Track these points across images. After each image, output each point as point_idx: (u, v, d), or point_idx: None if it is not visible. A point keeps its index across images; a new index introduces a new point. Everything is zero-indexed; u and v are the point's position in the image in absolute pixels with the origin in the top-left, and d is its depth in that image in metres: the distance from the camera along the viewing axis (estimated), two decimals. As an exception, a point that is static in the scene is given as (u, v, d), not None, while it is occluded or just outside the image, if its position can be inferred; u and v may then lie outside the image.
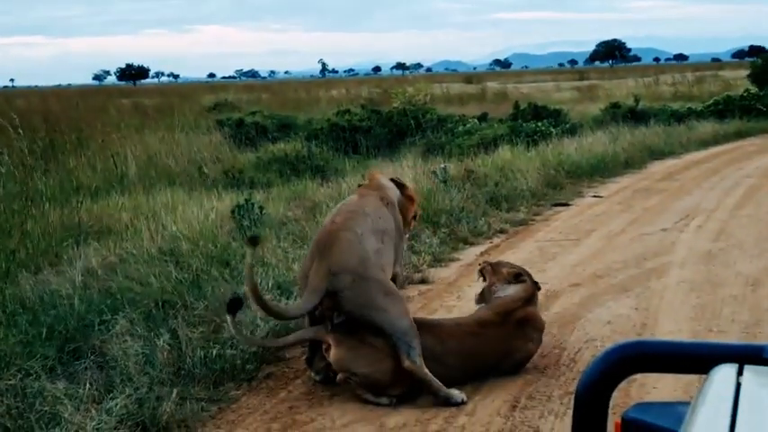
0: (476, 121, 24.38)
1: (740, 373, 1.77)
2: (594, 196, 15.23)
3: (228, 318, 6.14)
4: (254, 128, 24.15)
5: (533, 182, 15.16)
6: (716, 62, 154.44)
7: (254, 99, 42.88)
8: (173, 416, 5.73)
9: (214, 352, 6.64)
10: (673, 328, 7.49)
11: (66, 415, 5.38)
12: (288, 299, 7.88)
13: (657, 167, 19.29)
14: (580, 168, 17.34)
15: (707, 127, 25.96)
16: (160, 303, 7.53)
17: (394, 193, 7.00)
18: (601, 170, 17.84)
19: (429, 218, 11.63)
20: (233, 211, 11.09)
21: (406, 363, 5.94)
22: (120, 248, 9.59)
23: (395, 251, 6.64)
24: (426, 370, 5.98)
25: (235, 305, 6.15)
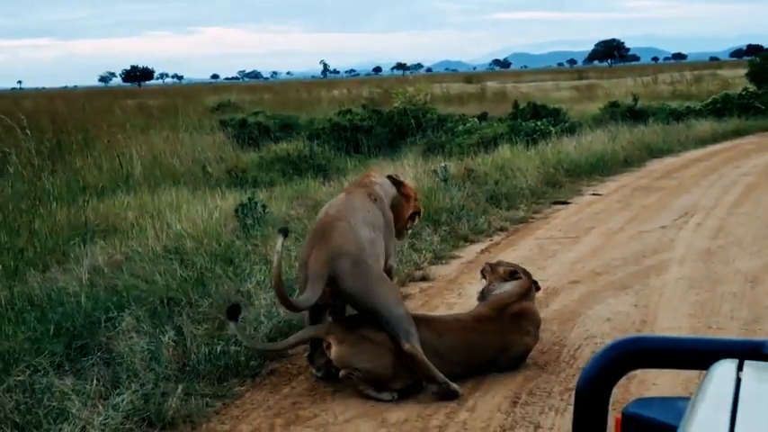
0: (476, 120, 24.37)
1: (740, 368, 1.77)
2: (594, 194, 15.23)
3: (231, 324, 6.19)
4: (257, 128, 24.14)
5: (533, 180, 15.17)
6: (714, 61, 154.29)
7: (256, 99, 42.88)
8: (178, 411, 5.74)
9: (218, 348, 6.65)
10: (672, 325, 7.49)
11: (73, 410, 5.39)
12: (291, 295, 7.86)
13: (656, 166, 19.28)
14: (579, 167, 17.34)
15: (705, 125, 25.95)
16: (165, 301, 7.54)
17: (384, 189, 7.09)
18: (600, 168, 17.84)
19: (430, 216, 11.63)
20: (236, 210, 11.10)
21: (406, 346, 5.98)
22: (125, 247, 9.60)
23: (386, 245, 6.74)
24: (425, 357, 6.00)
25: (234, 312, 6.19)
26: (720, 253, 10.25)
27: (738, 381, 1.69)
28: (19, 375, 5.78)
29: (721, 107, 29.33)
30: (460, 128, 22.57)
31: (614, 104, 29.17)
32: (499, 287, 6.85)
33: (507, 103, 31.09)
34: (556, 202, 14.34)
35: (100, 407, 5.55)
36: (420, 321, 6.36)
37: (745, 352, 1.89)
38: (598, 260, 10.10)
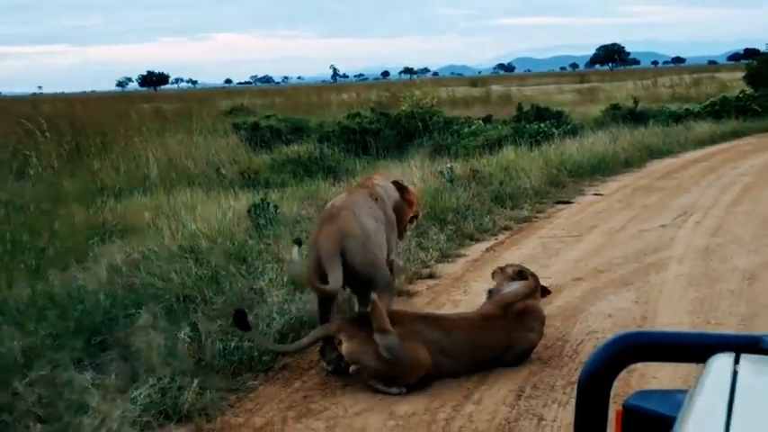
0: (481, 122, 24.35)
1: (737, 361, 1.77)
2: (595, 194, 15.21)
3: (248, 333, 6.27)
4: (269, 131, 24.14)
5: (536, 181, 15.16)
6: (712, 65, 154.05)
7: (268, 103, 42.87)
8: (194, 404, 5.76)
9: (232, 344, 6.67)
10: (672, 321, 7.49)
11: (93, 404, 5.41)
12: (301, 294, 7.89)
13: (656, 166, 19.24)
14: (581, 167, 17.31)
15: (704, 127, 25.89)
16: (181, 298, 7.57)
17: (386, 192, 7.30)
18: (601, 169, 17.81)
19: (436, 215, 11.66)
20: (249, 210, 11.12)
21: (374, 296, 6.23)
22: (142, 246, 9.61)
23: (388, 239, 6.95)
24: (384, 311, 6.23)
25: (241, 319, 6.21)
26: (719, 251, 10.23)
27: (735, 374, 1.70)
28: (41, 370, 5.80)
29: (719, 109, 29.26)
30: (466, 130, 22.55)
31: (615, 107, 29.12)
32: (507, 287, 6.87)
33: (511, 105, 31.02)
34: (559, 202, 14.33)
35: (118, 400, 5.57)
36: (430, 321, 6.42)
37: (742, 346, 1.89)
38: (600, 258, 10.09)
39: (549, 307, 7.44)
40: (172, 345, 6.50)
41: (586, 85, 58.87)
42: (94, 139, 20.34)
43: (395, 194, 7.39)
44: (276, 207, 11.26)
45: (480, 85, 63.92)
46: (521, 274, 6.99)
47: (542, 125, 22.03)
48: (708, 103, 30.92)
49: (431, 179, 13.90)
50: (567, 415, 5.49)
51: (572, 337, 7.16)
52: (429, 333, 6.22)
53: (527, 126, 22.02)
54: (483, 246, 11.02)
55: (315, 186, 15.08)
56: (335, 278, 6.29)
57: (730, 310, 7.75)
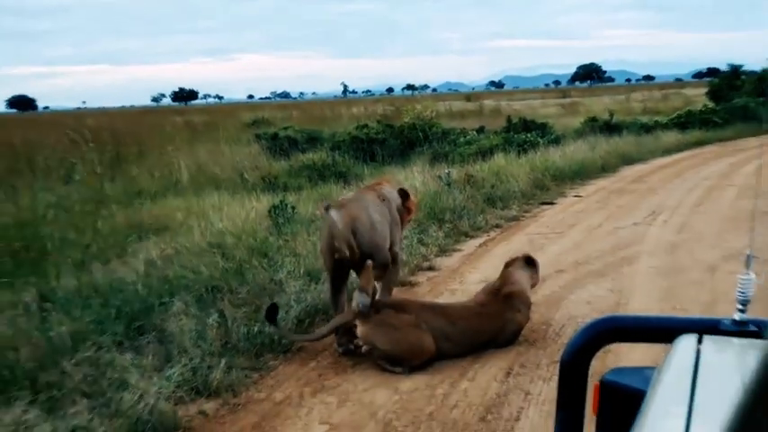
0: (474, 133, 24.30)
1: (700, 342, 1.78)
2: (576, 196, 15.19)
3: (271, 327, 6.29)
4: (287, 140, 24.13)
5: (524, 184, 15.15)
6: (678, 82, 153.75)
7: (286, 116, 42.82)
8: (221, 382, 5.78)
9: (255, 328, 6.69)
10: (643, 307, 7.48)
11: (132, 381, 5.42)
12: (316, 285, 7.90)
13: (629, 171, 19.22)
14: (563, 172, 17.31)
15: (671, 137, 25.88)
16: (209, 288, 7.57)
17: (392, 196, 7.35)
18: (581, 174, 17.81)
19: (435, 215, 11.67)
20: (270, 211, 11.13)
21: (370, 262, 6.46)
22: (175, 242, 9.63)
23: (391, 233, 7.00)
24: (371, 276, 6.46)
25: (272, 312, 6.25)
26: (684, 246, 10.22)
27: (698, 352, 1.70)
28: (86, 352, 5.82)
29: (685, 121, 29.28)
30: (461, 140, 22.52)
31: (593, 119, 29.09)
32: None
33: (501, 118, 30.97)
34: (543, 203, 14.31)
35: (155, 378, 5.59)
36: (437, 310, 6.44)
37: (705, 328, 1.90)
38: (580, 252, 10.08)
39: (534, 296, 7.43)
40: (202, 329, 6.52)
41: (568, 100, 58.79)
42: (132, 148, 20.39)
43: (398, 200, 7.45)
44: (293, 208, 11.27)
45: (474, 99, 63.76)
46: (527, 260, 7.03)
47: (529, 135, 22.00)
48: (674, 115, 30.94)
49: (430, 183, 13.91)
50: (551, 390, 5.50)
51: (555, 322, 7.17)
52: (435, 321, 6.26)
53: (515, 136, 21.99)
54: (477, 242, 11.02)
55: (327, 189, 15.10)
56: (346, 251, 6.41)
57: (694, 298, 7.75)
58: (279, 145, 23.48)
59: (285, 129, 27.29)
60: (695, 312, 7.11)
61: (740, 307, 1.98)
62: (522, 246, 10.55)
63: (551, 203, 14.32)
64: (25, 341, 5.92)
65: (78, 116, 49.28)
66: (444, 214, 11.84)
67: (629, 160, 20.99)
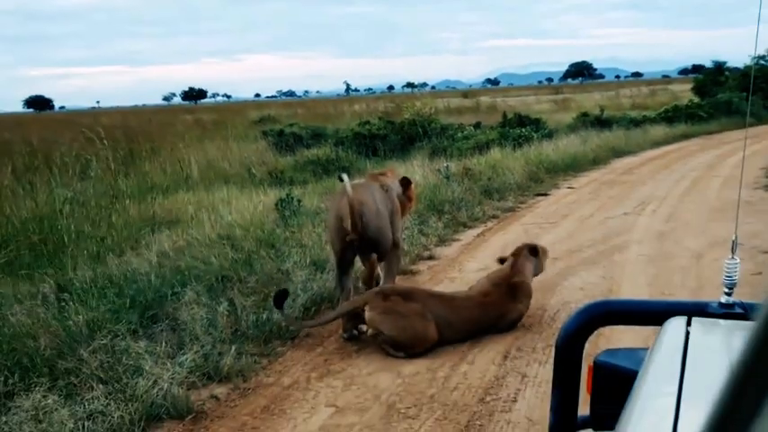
0: (472, 128, 24.29)
1: (689, 324, 1.78)
2: (569, 188, 15.18)
3: (277, 312, 6.27)
4: (292, 137, 24.15)
5: (519, 177, 15.13)
6: (666, 78, 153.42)
7: (291, 114, 42.84)
8: (232, 367, 5.79)
9: (264, 316, 6.70)
10: (633, 292, 7.48)
11: (147, 367, 5.43)
12: (321, 274, 7.91)
13: (619, 164, 19.20)
14: (557, 165, 17.29)
15: (659, 130, 25.85)
16: (220, 278, 7.58)
17: (393, 185, 7.40)
18: (573, 167, 17.78)
19: (435, 207, 11.66)
20: (276, 204, 11.13)
21: (373, 257, 6.78)
22: (186, 235, 9.63)
23: (392, 221, 7.03)
24: (374, 269, 6.88)
25: (280, 298, 6.24)
26: (672, 234, 10.21)
27: (687, 334, 1.70)
28: (102, 340, 5.82)
29: (672, 115, 29.25)
30: (459, 135, 22.51)
31: (585, 114, 29.07)
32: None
33: (497, 114, 30.93)
34: (538, 195, 14.30)
35: (168, 364, 5.60)
36: (443, 300, 6.45)
37: (693, 311, 1.89)
38: (573, 241, 10.08)
39: (531, 283, 7.43)
40: (212, 317, 6.53)
41: (560, 97, 58.67)
42: (145, 145, 20.37)
43: (399, 190, 7.51)
44: (299, 201, 11.27)
45: (471, 96, 63.64)
46: (533, 249, 7.01)
47: (524, 130, 21.98)
48: (662, 110, 30.91)
49: (430, 176, 13.90)
50: (546, 372, 5.50)
51: (550, 307, 7.16)
52: (440, 310, 6.27)
53: (511, 131, 21.97)
54: (474, 232, 11.02)
55: (331, 183, 15.08)
56: (358, 222, 6.50)
57: (682, 283, 7.75)
58: (285, 141, 23.49)
59: (291, 126, 27.29)
60: (683, 297, 7.10)
61: (727, 290, 1.98)
62: (518, 236, 10.54)
63: (545, 195, 14.30)
64: (44, 330, 5.93)
65: (93, 115, 49.36)
66: (443, 206, 11.83)
67: (619, 153, 20.96)
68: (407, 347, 6.10)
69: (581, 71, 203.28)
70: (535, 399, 5.17)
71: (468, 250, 9.88)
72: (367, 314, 6.19)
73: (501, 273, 6.77)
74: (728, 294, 1.97)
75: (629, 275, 8.27)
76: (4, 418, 4.78)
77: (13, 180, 13.15)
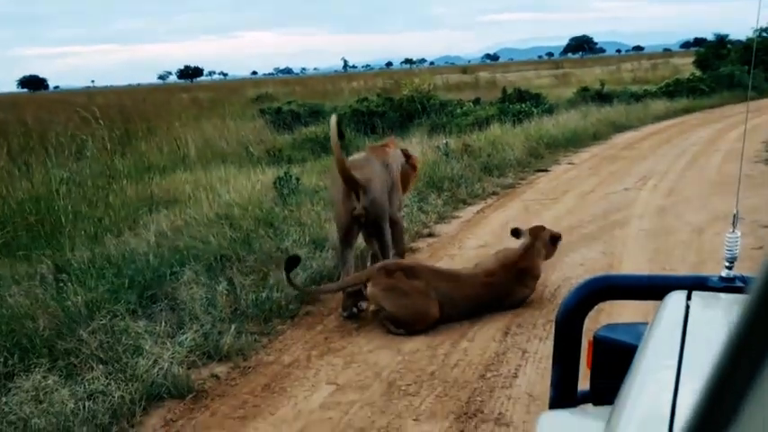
0: (471, 104, 24.19)
1: (689, 298, 1.79)
2: (569, 163, 15.17)
3: (284, 274, 6.25)
4: (290, 115, 24.06)
5: (519, 153, 15.11)
6: (667, 52, 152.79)
7: (289, 91, 42.66)
8: (232, 346, 5.81)
9: (263, 295, 6.71)
10: (634, 268, 7.49)
11: (146, 347, 5.46)
12: (321, 252, 7.92)
13: (620, 139, 19.17)
14: (557, 141, 17.26)
15: (660, 105, 25.79)
16: (218, 257, 7.58)
17: (395, 158, 7.43)
18: (574, 142, 17.76)
19: (434, 184, 11.66)
20: (275, 183, 11.12)
21: (376, 245, 6.91)
22: (184, 214, 9.62)
23: (390, 198, 7.02)
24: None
25: (292, 263, 6.24)
26: (673, 209, 10.22)
27: (687, 308, 1.71)
28: (101, 320, 5.84)
29: (673, 90, 29.18)
30: (458, 111, 22.43)
31: (585, 89, 28.99)
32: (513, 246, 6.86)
33: (497, 89, 30.83)
34: (538, 171, 14.29)
35: (168, 344, 5.62)
36: (448, 277, 6.44)
37: (693, 285, 1.91)
38: (573, 217, 10.09)
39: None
40: (212, 296, 6.54)
41: (560, 71, 58.51)
42: (141, 124, 20.32)
43: (402, 160, 7.60)
44: (297, 179, 11.26)
45: (470, 72, 63.42)
46: (516, 232, 6.97)
47: (523, 105, 21.90)
48: (663, 84, 30.84)
49: (429, 153, 13.87)
50: (547, 348, 5.52)
51: (550, 283, 7.18)
52: (444, 287, 6.27)
53: (510, 106, 21.90)
54: (474, 208, 11.02)
55: (330, 161, 15.04)
56: (361, 202, 6.55)
57: (683, 258, 7.76)
58: (282, 119, 23.41)
59: (288, 103, 27.20)
60: (684, 272, 7.12)
61: (727, 264, 1.99)
62: (519, 212, 10.56)
63: (546, 171, 14.30)
64: (42, 311, 5.95)
65: (88, 95, 49.17)
66: (443, 183, 11.82)
67: (619, 128, 20.93)
68: (408, 325, 6.12)
69: (581, 45, 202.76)
70: (536, 374, 5.20)
71: (467, 227, 9.89)
72: (369, 290, 6.20)
73: (511, 253, 6.71)
74: (729, 268, 1.98)
75: (630, 251, 8.28)
76: (4, 399, 4.81)
77: (8, 161, 13.11)
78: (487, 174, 13.30)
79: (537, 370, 5.27)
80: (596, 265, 7.73)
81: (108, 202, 10.51)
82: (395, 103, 23.83)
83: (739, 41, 40.02)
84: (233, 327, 6.05)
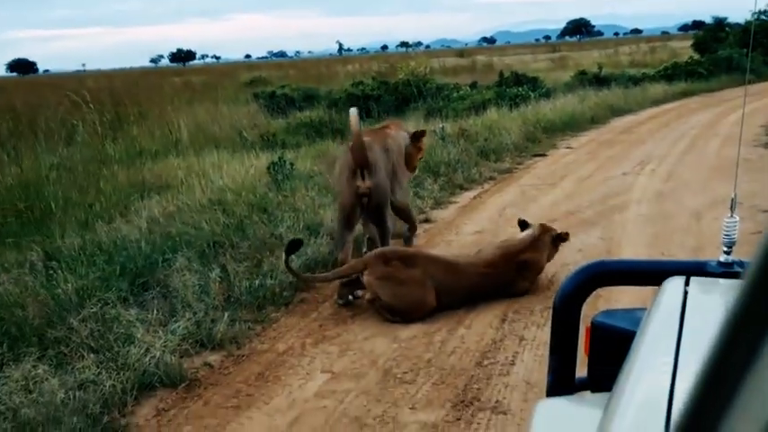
0: (467, 88, 24.16)
1: (687, 283, 1.78)
2: (567, 148, 15.16)
3: (283, 256, 6.21)
4: (284, 99, 24.03)
5: (516, 137, 15.10)
6: (665, 35, 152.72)
7: (283, 75, 42.55)
8: (225, 334, 5.81)
9: (257, 282, 6.70)
10: (632, 253, 7.50)
11: (138, 335, 5.44)
12: (316, 239, 7.91)
13: (618, 123, 19.17)
14: (554, 125, 17.26)
15: (658, 88, 25.78)
16: (211, 244, 7.57)
17: (397, 141, 7.46)
18: (571, 126, 17.76)
19: (431, 168, 11.62)
20: (268, 168, 11.09)
21: (374, 230, 6.94)
22: (177, 200, 9.60)
23: (391, 182, 7.06)
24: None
25: (293, 246, 6.21)
26: (671, 194, 10.23)
27: (686, 293, 1.70)
28: (92, 308, 5.82)
29: (671, 73, 29.19)
30: (455, 95, 22.40)
31: (583, 73, 28.98)
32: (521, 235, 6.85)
33: (494, 73, 30.75)
34: (535, 155, 14.28)
35: (160, 332, 5.61)
36: (446, 265, 6.40)
37: (691, 270, 1.90)
38: (571, 202, 10.08)
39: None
40: (204, 284, 6.53)
41: (558, 55, 58.40)
42: (132, 108, 20.25)
43: (405, 141, 7.67)
44: (292, 164, 11.24)
45: (467, 55, 63.21)
46: (524, 224, 6.97)
47: (520, 89, 21.89)
48: (661, 67, 30.82)
49: (426, 137, 13.85)
50: (544, 335, 5.53)
51: (548, 269, 7.15)
52: (442, 276, 6.25)
53: (507, 90, 21.88)
54: (471, 194, 11.02)
55: (325, 146, 15.05)
56: (366, 182, 6.60)
57: (681, 243, 7.77)
58: (276, 103, 23.37)
59: (282, 87, 27.14)
60: (682, 257, 7.12)
61: (726, 249, 1.98)
62: (516, 197, 10.56)
63: (543, 155, 14.29)
64: (32, 299, 5.94)
65: (78, 78, 49.01)
66: (439, 168, 11.80)
67: (617, 112, 20.92)
68: (404, 314, 6.11)
69: (579, 28, 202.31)
70: (533, 362, 5.20)
71: (464, 212, 9.88)
72: (366, 278, 6.19)
73: (513, 244, 6.70)
74: (727, 253, 1.98)
75: (629, 236, 8.29)
76: (-7, 389, 4.80)
77: (-3, 146, 13.08)
78: (484, 158, 13.29)
79: (534, 357, 5.28)
80: (594, 250, 7.72)
81: (99, 188, 10.49)
82: (390, 87, 23.79)
83: (738, 24, 40.00)
84: (226, 314, 6.04)
